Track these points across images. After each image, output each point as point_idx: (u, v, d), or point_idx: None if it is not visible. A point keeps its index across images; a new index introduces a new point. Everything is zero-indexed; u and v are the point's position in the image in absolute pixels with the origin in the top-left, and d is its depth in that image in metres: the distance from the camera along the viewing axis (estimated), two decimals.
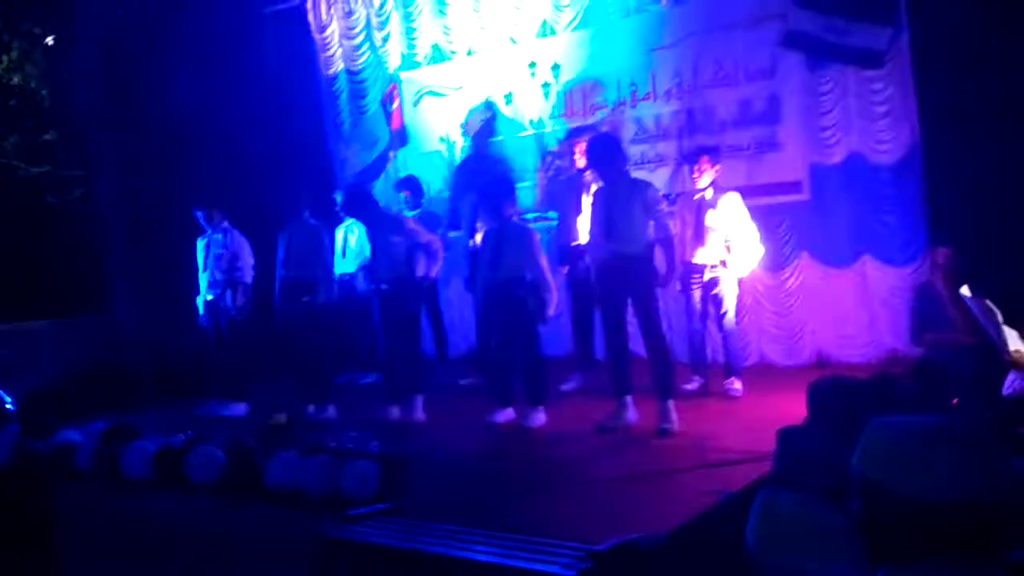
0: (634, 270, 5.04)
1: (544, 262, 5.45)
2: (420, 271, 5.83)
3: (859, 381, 3.49)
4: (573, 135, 6.67)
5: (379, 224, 6.02)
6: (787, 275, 6.93)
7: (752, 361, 7.04)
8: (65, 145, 9.95)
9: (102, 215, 8.74)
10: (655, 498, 3.93)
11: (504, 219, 5.55)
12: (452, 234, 7.35)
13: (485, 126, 7.87)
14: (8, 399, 6.11)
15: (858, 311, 6.68)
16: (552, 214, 7.01)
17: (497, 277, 5.46)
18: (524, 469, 4.60)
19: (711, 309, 6.12)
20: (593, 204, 5.25)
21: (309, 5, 8.86)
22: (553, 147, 7.68)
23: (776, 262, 6.91)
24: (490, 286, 5.52)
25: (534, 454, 4.91)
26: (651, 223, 5.07)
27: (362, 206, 6.18)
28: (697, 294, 6.12)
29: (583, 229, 5.91)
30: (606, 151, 5.21)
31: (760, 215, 6.67)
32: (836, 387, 3.43)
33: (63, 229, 9.89)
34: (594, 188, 5.49)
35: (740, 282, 6.30)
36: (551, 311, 5.46)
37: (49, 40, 9.60)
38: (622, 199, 5.06)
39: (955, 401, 4.84)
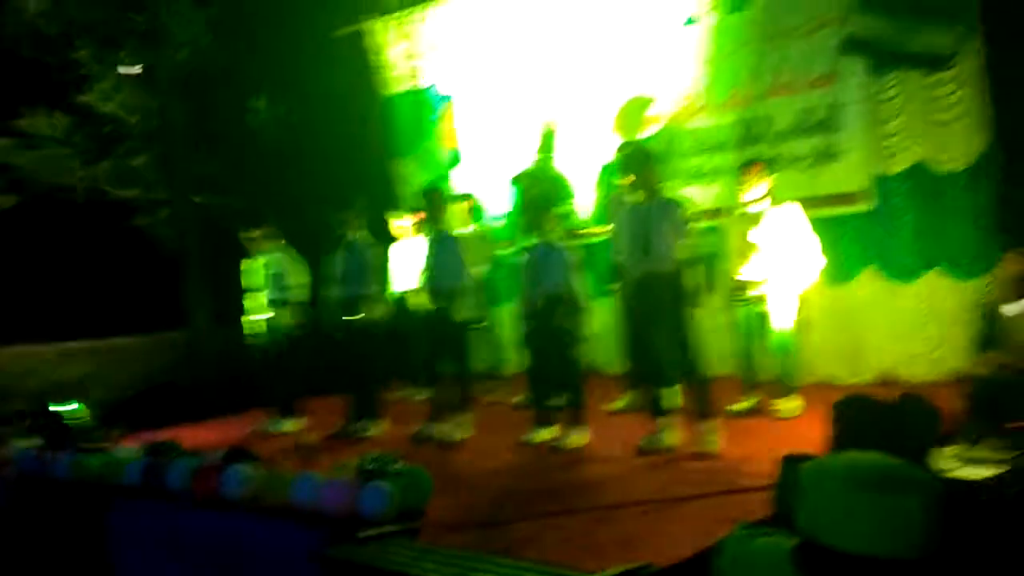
0: (666, 289, 4.94)
1: (577, 280, 5.41)
2: (462, 313, 5.86)
3: (883, 402, 3.32)
4: (624, 149, 6.56)
5: (435, 239, 6.07)
6: (850, 289, 6.63)
7: (814, 379, 6.77)
8: (152, 169, 10.45)
9: (182, 235, 9.14)
10: (677, 524, 3.82)
11: (545, 235, 5.52)
12: (508, 250, 7.36)
13: (542, 142, 7.85)
14: (80, 414, 6.49)
15: (925, 327, 6.33)
16: (608, 228, 6.92)
17: (537, 294, 5.44)
18: (551, 490, 4.55)
19: (762, 325, 5.92)
20: (627, 221, 5.18)
21: (370, 28, 9.04)
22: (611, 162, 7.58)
23: (839, 275, 6.62)
24: (531, 303, 5.50)
25: (567, 475, 4.85)
26: (683, 241, 4.96)
27: (440, 208, 6.19)
28: (747, 310, 5.93)
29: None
30: (639, 167, 5.13)
31: (821, 227, 6.43)
32: (860, 408, 3.27)
33: (151, 249, 10.39)
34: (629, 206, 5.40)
35: (800, 296, 6.08)
36: (584, 329, 5.40)
37: (137, 69, 10.11)
38: (656, 217, 4.97)
39: (1012, 426, 4.54)
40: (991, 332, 4.97)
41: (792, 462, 2.85)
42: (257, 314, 6.88)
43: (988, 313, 5.09)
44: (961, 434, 4.29)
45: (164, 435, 5.50)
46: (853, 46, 6.41)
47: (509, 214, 7.78)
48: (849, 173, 6.53)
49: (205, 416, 7.59)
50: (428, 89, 8.81)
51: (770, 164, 6.05)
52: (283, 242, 6.83)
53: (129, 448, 5.31)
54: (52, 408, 6.30)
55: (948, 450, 4.18)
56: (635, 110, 7.52)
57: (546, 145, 7.92)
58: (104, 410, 7.43)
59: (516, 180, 7.55)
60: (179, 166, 9.21)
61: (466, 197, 7.46)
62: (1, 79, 10.26)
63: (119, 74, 10.34)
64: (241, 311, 7.35)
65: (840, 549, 1.44)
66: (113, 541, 4.70)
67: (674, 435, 5.08)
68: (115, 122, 10.51)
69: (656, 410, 5.14)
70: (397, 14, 8.92)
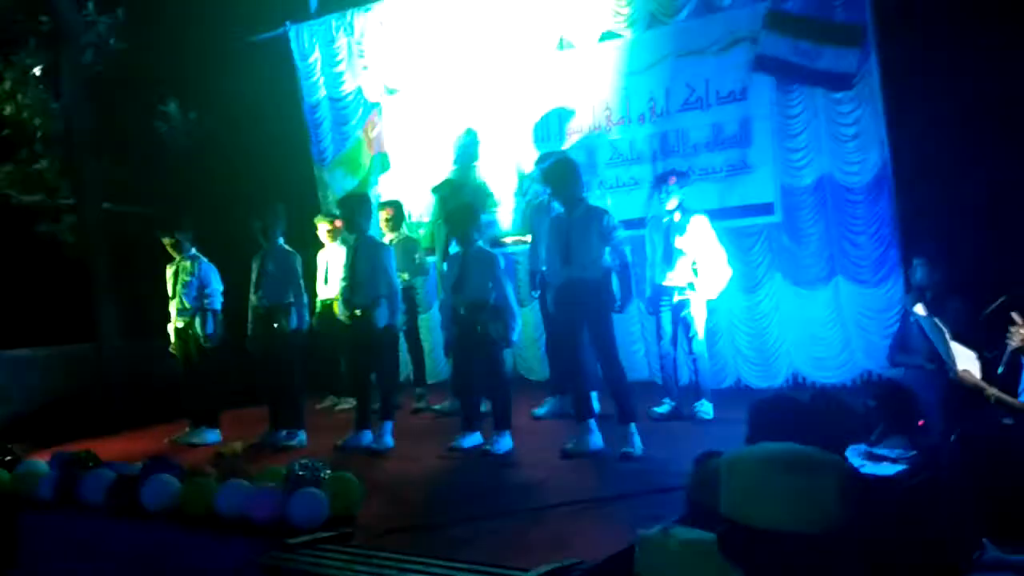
0: (590, 296, 5.06)
1: (508, 286, 5.48)
2: (382, 321, 5.81)
3: (799, 401, 3.48)
4: (545, 159, 6.68)
5: (362, 245, 6.00)
6: (761, 297, 6.93)
7: (728, 383, 7.04)
8: (57, 174, 10.04)
9: (88, 242, 8.81)
10: (604, 523, 3.92)
11: (470, 243, 5.57)
12: (429, 258, 7.39)
13: (464, 151, 7.93)
14: None
15: (832, 332, 6.67)
16: (528, 237, 7.03)
17: (460, 301, 5.48)
18: (481, 494, 4.60)
19: (681, 331, 6.12)
20: (551, 230, 5.29)
21: (292, 34, 8.96)
22: (530, 171, 7.71)
23: (750, 284, 6.92)
24: (454, 310, 5.54)
25: (494, 479, 4.90)
26: (607, 250, 5.10)
27: (359, 214, 6.04)
28: (667, 316, 6.13)
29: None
30: (564, 175, 5.25)
31: (733, 237, 6.73)
32: (776, 407, 3.41)
33: (55, 257, 9.98)
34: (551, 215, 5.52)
35: (712, 304, 6.32)
36: (514, 336, 5.47)
37: (36, 70, 9.72)
38: (579, 225, 5.09)
39: (920, 423, 4.82)
40: (904, 334, 5.30)
41: (704, 460, 2.97)
42: (169, 323, 6.70)
43: (903, 316, 5.43)
44: (866, 432, 4.54)
45: (74, 448, 5.30)
46: (763, 64, 6.71)
47: (430, 222, 7.83)
48: (759, 185, 6.83)
49: (115, 429, 7.35)
50: (354, 95, 8.77)
51: (686, 176, 6.26)
52: (194, 249, 6.66)
53: (38, 461, 5.10)
54: None
55: (853, 447, 4.42)
56: (554, 120, 7.70)
57: (468, 153, 8.01)
58: (8, 424, 7.13)
59: (437, 188, 7.60)
60: (85, 171, 8.87)
61: (391, 204, 7.46)
62: None
63: (18, 76, 9.93)
64: (152, 320, 7.15)
65: (762, 528, 1.55)
66: (26, 556, 4.51)
67: (597, 438, 5.20)
68: (16, 125, 10.08)
69: (579, 414, 5.25)
70: (321, 19, 8.87)
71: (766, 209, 6.83)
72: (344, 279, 6.03)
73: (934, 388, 4.97)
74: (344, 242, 6.90)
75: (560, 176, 5.31)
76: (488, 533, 3.87)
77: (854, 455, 4.40)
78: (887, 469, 4.21)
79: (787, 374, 6.87)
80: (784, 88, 6.71)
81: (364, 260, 5.90)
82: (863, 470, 4.21)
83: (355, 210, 6.02)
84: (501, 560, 3.39)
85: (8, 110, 9.93)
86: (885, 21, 6.17)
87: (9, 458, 5.12)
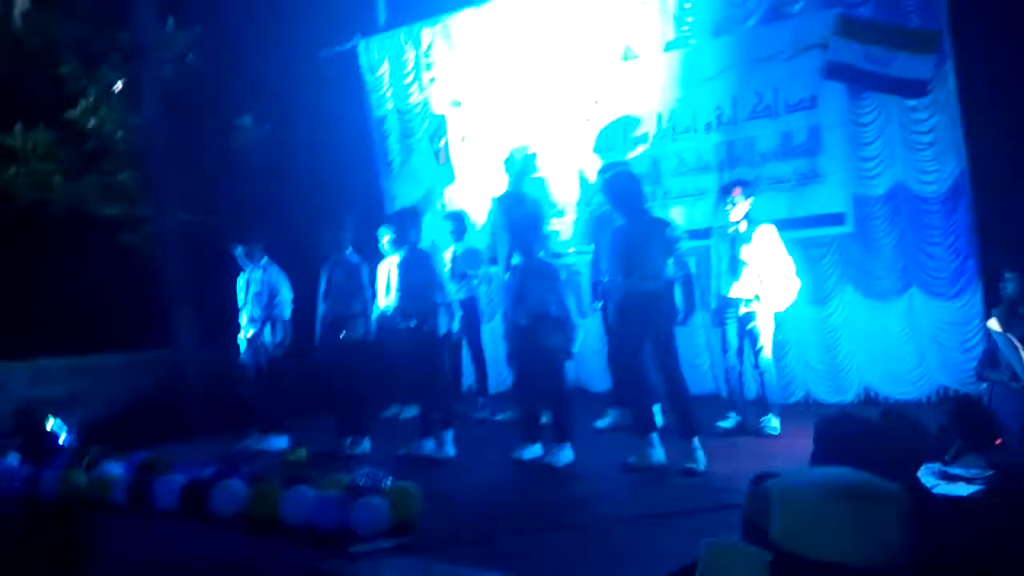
0: (652, 307, 5.01)
1: (569, 298, 5.46)
2: (439, 330, 5.88)
3: (867, 418, 3.38)
4: (608, 169, 6.65)
5: (411, 257, 6.09)
6: (832, 309, 6.77)
7: (796, 398, 6.89)
8: (138, 185, 10.41)
9: (165, 252, 9.10)
10: (664, 540, 3.87)
11: (531, 254, 5.57)
12: (492, 269, 7.42)
13: (525, 163, 7.94)
14: (64, 432, 6.45)
15: (906, 346, 6.48)
16: (591, 248, 7.00)
17: (520, 312, 5.48)
18: (541, 507, 4.59)
19: (747, 344, 6.01)
20: (612, 241, 5.25)
21: (361, 47, 9.13)
22: (593, 182, 7.68)
23: (820, 296, 6.76)
24: (514, 322, 5.55)
25: (553, 492, 4.89)
26: (670, 261, 5.04)
27: (410, 227, 6.15)
28: (732, 329, 6.03)
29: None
30: (624, 190, 5.22)
31: (803, 248, 6.59)
32: (842, 424, 3.32)
33: (136, 266, 10.33)
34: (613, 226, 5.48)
35: (782, 317, 6.19)
36: (575, 347, 5.44)
37: (118, 85, 10.10)
38: (641, 237, 5.05)
39: (998, 441, 4.65)
40: (992, 349, 5.14)
41: (759, 481, 2.89)
42: (241, 331, 6.87)
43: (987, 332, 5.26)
44: (941, 451, 4.38)
45: (150, 452, 5.46)
46: (834, 71, 6.56)
47: (493, 233, 7.85)
48: (830, 195, 6.67)
49: (190, 435, 7.55)
50: (421, 107, 8.88)
51: (751, 185, 6.15)
52: (265, 259, 6.82)
53: (114, 466, 5.27)
54: (40, 426, 6.26)
55: (927, 467, 4.27)
56: (619, 130, 7.66)
57: (529, 165, 8.02)
58: (88, 429, 7.39)
59: (499, 200, 7.63)
60: (162, 182, 9.18)
61: (455, 215, 7.51)
62: None
63: (102, 90, 10.33)
64: (226, 329, 7.33)
65: (814, 559, 1.49)
66: (98, 559, 4.67)
67: (659, 452, 5.14)
68: (99, 138, 10.48)
69: (641, 428, 5.20)
70: (389, 33, 9.01)
71: (837, 219, 6.67)
72: (397, 291, 6.11)
73: (1017, 405, 4.79)
74: (398, 253, 6.99)
75: (620, 189, 5.28)
76: (546, 547, 3.86)
77: (928, 475, 4.26)
78: (962, 489, 4.07)
79: (858, 389, 6.69)
80: (856, 95, 6.56)
81: (415, 272, 5.98)
82: (936, 490, 4.07)
83: (405, 224, 6.10)
84: (555, 574, 3.37)
85: (92, 123, 10.35)
86: (961, 26, 5.99)
87: (85, 461, 5.30)
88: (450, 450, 5.84)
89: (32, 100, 10.32)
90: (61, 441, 6.26)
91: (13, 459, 5.87)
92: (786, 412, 6.09)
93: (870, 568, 1.48)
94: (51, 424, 6.37)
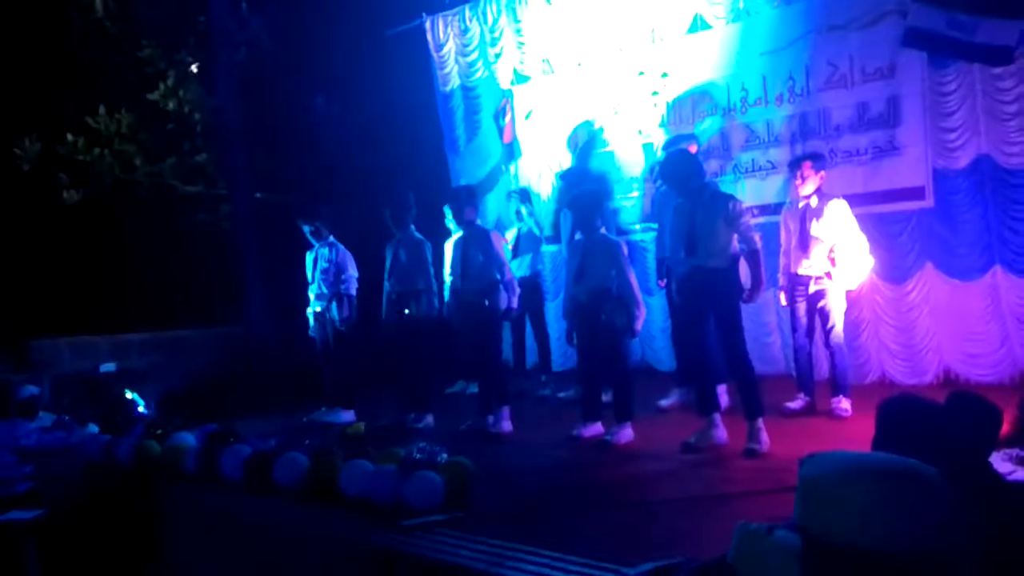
0: (716, 285, 4.89)
1: (631, 275, 5.38)
2: (502, 304, 5.89)
3: (932, 402, 3.24)
4: (673, 143, 6.52)
5: (470, 234, 6.09)
6: (910, 287, 6.49)
7: (872, 378, 6.66)
8: (215, 165, 10.70)
9: (240, 230, 9.34)
10: (720, 521, 3.79)
11: (593, 231, 5.50)
12: (553, 246, 7.38)
13: (590, 139, 7.85)
14: (141, 403, 6.70)
15: (988, 326, 6.17)
16: (656, 225, 6.89)
17: (582, 289, 5.43)
18: (596, 485, 4.56)
19: (817, 323, 5.83)
20: (674, 218, 5.14)
21: (428, 25, 9.14)
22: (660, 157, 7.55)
23: (898, 273, 6.50)
24: (575, 299, 5.49)
25: (610, 471, 4.84)
26: (735, 236, 4.91)
27: (466, 205, 6.13)
28: (802, 307, 5.84)
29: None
30: (678, 171, 5.11)
31: (879, 223, 6.36)
32: (907, 407, 3.19)
33: (212, 244, 10.65)
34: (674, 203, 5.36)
35: (858, 295, 5.98)
36: (638, 325, 5.37)
37: (194, 68, 10.36)
38: (703, 213, 4.92)
39: None
40: None
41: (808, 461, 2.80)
42: (309, 307, 7.01)
43: None
44: (1018, 436, 4.18)
45: (222, 424, 5.62)
46: (913, 39, 6.25)
47: (556, 211, 7.80)
48: (909, 168, 6.39)
49: (262, 408, 7.75)
50: (486, 84, 8.86)
51: (822, 159, 5.94)
52: (332, 237, 6.92)
53: (187, 436, 5.45)
54: (118, 397, 6.51)
55: (1005, 452, 4.07)
56: (687, 104, 7.49)
57: (595, 140, 7.93)
58: (165, 400, 7.66)
59: (563, 176, 7.57)
60: (237, 162, 9.40)
61: (520, 192, 7.48)
62: (70, 78, 10.62)
63: (180, 72, 10.61)
64: (297, 304, 7.48)
65: (838, 544, 1.42)
66: (167, 526, 4.84)
67: (722, 433, 5.04)
68: (178, 119, 10.79)
69: (703, 408, 5.11)
70: (455, 9, 9.00)
71: (916, 193, 6.38)
72: (457, 269, 6.12)
73: None
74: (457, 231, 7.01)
75: (673, 170, 5.18)
76: (600, 525, 3.83)
77: (1003, 460, 4.07)
78: None
79: (937, 370, 6.41)
80: (936, 64, 6.24)
81: (475, 249, 5.98)
82: (1012, 476, 3.88)
83: (464, 201, 6.10)
84: (611, 554, 3.33)
85: (171, 106, 10.66)
86: None
87: (160, 431, 5.49)
88: (506, 426, 5.85)
89: (115, 83, 10.70)
90: (138, 411, 6.50)
91: (93, 428, 6.14)
92: (860, 393, 5.87)
93: (898, 553, 1.40)
94: (128, 395, 6.63)
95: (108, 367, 7.89)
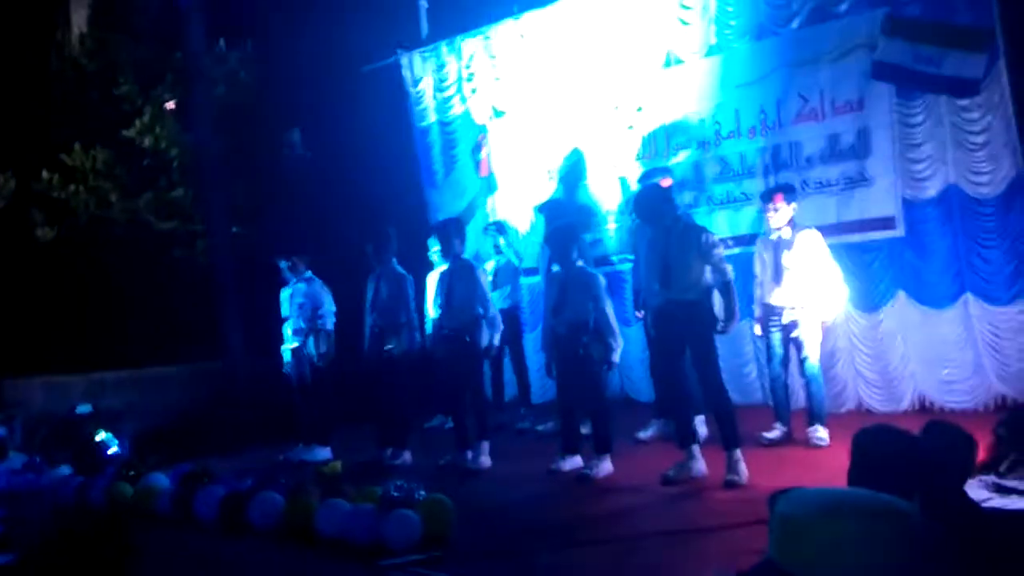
0: (691, 317, 4.92)
1: (609, 307, 5.39)
2: (484, 341, 5.89)
3: (907, 432, 3.26)
4: (648, 176, 6.58)
5: (455, 268, 6.09)
6: (882, 316, 6.56)
7: (848, 407, 6.69)
8: (192, 201, 10.66)
9: (216, 266, 9.29)
10: (702, 555, 3.79)
11: (570, 263, 5.52)
12: (533, 279, 7.40)
13: (570, 170, 7.91)
14: (115, 443, 6.61)
15: (961, 353, 6.23)
16: (633, 256, 6.93)
17: (560, 322, 5.43)
18: (577, 520, 4.53)
19: (792, 352, 5.86)
20: (648, 251, 5.18)
21: (404, 61, 9.20)
22: (634, 189, 7.61)
23: (871, 302, 6.57)
24: (554, 331, 5.50)
25: (590, 504, 4.83)
26: (708, 268, 4.94)
27: (453, 237, 6.15)
28: (777, 337, 5.88)
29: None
30: (651, 205, 5.15)
31: (851, 253, 6.43)
32: (882, 438, 3.20)
33: (189, 280, 10.58)
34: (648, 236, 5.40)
35: (826, 324, 6.02)
36: (616, 357, 5.37)
37: (171, 104, 10.36)
38: (676, 246, 4.96)
39: None
40: None
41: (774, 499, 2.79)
42: (285, 343, 6.96)
43: None
44: (994, 463, 4.21)
45: (196, 463, 5.55)
46: (881, 72, 6.38)
47: (536, 242, 7.83)
48: (879, 198, 6.48)
49: (240, 445, 7.67)
50: (463, 119, 8.92)
51: (794, 191, 6.01)
52: (309, 272, 6.90)
53: (160, 477, 5.37)
54: (90, 437, 6.42)
55: (980, 479, 4.10)
56: (661, 137, 7.58)
57: (574, 173, 7.98)
58: (140, 439, 7.57)
59: (541, 208, 7.60)
60: (215, 198, 9.38)
61: (496, 225, 7.51)
62: (46, 115, 10.59)
63: (157, 109, 10.62)
64: (274, 340, 7.44)
65: None
66: (140, 570, 4.76)
67: (701, 465, 5.04)
68: (155, 155, 10.77)
69: (681, 440, 5.10)
70: (431, 46, 9.07)
71: (887, 223, 6.47)
72: (439, 302, 6.11)
73: None
74: (442, 264, 7.01)
75: (645, 204, 5.22)
76: (580, 561, 3.81)
77: (980, 488, 4.09)
78: (1017, 503, 3.90)
79: (912, 398, 6.45)
80: (905, 96, 6.36)
81: (460, 282, 5.98)
82: (989, 504, 3.91)
83: (451, 234, 6.10)
84: None
85: (148, 142, 10.64)
86: (1013, 22, 5.76)
87: (132, 472, 5.41)
88: (486, 461, 5.81)
89: (91, 120, 10.68)
90: (111, 452, 6.41)
91: (65, 469, 6.04)
92: (837, 422, 5.89)
93: None
94: (101, 436, 6.53)
95: (84, 408, 7.79)
